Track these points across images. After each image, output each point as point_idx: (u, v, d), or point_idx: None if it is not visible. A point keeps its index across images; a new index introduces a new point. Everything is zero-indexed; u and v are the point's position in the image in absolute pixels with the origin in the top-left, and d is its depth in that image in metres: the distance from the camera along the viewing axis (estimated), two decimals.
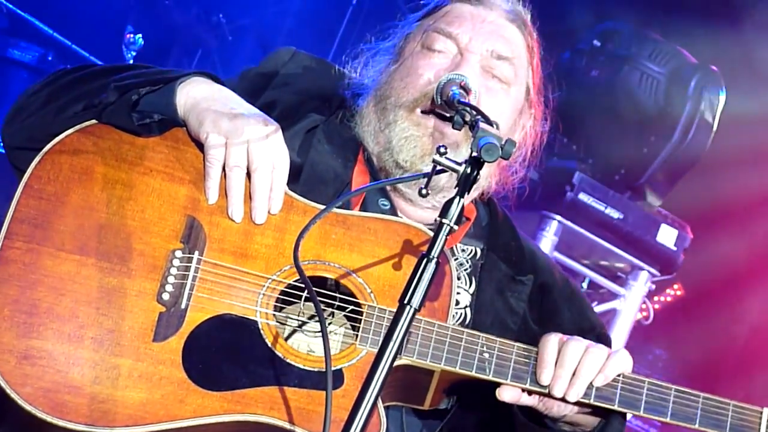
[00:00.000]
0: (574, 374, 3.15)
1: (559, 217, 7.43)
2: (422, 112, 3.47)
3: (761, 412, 3.22)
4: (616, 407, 3.18)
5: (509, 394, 3.19)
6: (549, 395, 3.16)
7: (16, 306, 2.94)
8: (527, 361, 3.19)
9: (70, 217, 3.05)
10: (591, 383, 3.16)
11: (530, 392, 3.20)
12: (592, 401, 3.17)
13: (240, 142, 3.11)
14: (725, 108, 7.63)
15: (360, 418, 2.52)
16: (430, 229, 3.24)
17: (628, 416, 3.32)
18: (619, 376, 3.19)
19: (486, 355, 3.17)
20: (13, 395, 2.86)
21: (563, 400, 3.17)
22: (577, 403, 3.20)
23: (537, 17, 3.72)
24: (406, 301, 2.60)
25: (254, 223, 3.16)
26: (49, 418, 2.86)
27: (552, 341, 3.20)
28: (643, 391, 3.19)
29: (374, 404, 2.55)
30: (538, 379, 3.15)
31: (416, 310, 2.61)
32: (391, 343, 2.58)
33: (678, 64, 7.58)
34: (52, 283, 2.98)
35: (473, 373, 3.15)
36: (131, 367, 2.95)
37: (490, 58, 3.52)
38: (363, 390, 2.55)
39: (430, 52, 3.54)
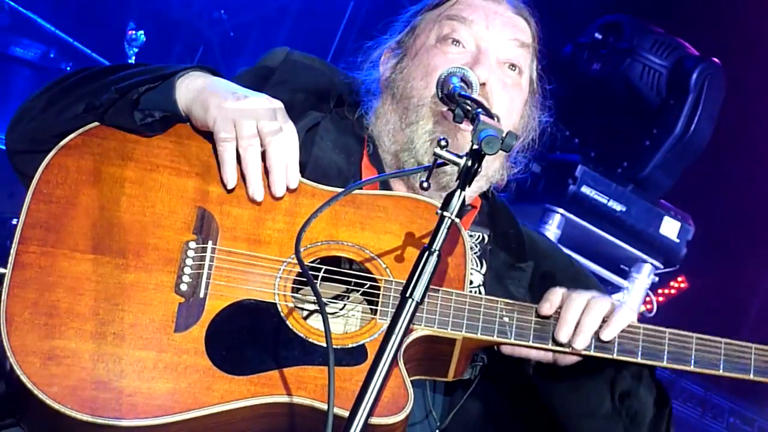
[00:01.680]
0: (578, 322, 3.17)
1: (561, 210, 7.44)
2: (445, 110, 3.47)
3: None
4: (639, 360, 3.20)
5: (510, 346, 3.22)
6: (556, 344, 3.18)
7: (36, 309, 2.97)
8: (548, 321, 3.22)
9: (81, 218, 3.08)
10: (601, 337, 3.17)
11: (547, 350, 3.22)
12: (615, 356, 3.19)
13: (248, 122, 3.12)
14: (727, 99, 7.64)
15: (363, 412, 2.57)
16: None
17: None
18: (639, 329, 3.21)
19: (506, 320, 3.19)
20: (42, 396, 2.88)
21: (572, 352, 3.19)
22: (595, 357, 3.21)
23: (538, 10, 3.74)
24: (408, 294, 2.64)
25: (265, 204, 3.19)
26: (79, 416, 2.88)
27: (557, 291, 3.23)
28: (664, 342, 3.22)
29: (379, 393, 2.59)
30: (539, 311, 3.19)
31: (418, 304, 2.64)
32: (394, 336, 2.62)
33: (680, 56, 7.58)
34: (70, 283, 3.01)
35: (495, 338, 3.18)
36: (156, 359, 2.98)
37: (509, 47, 3.56)
38: (365, 383, 2.59)
39: (446, 45, 3.56)
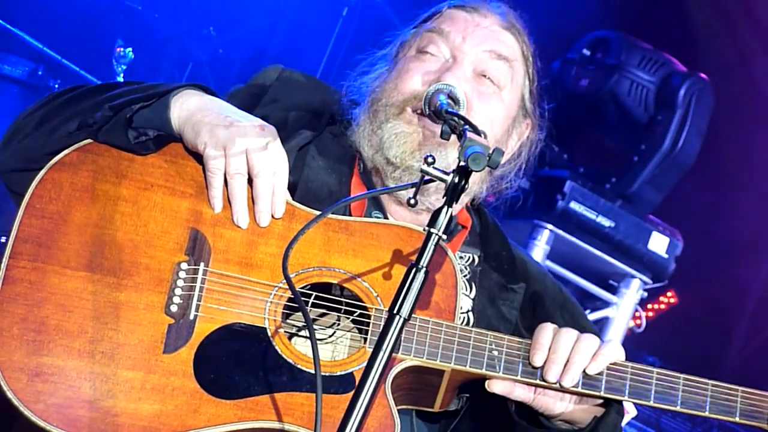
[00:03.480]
0: (568, 361, 3.17)
1: (550, 226, 7.46)
2: (413, 110, 3.49)
3: None
4: (626, 398, 3.21)
5: (500, 386, 3.20)
6: (544, 381, 3.17)
7: (24, 324, 2.96)
8: None
9: (73, 235, 3.07)
10: (587, 371, 3.18)
11: (536, 386, 3.21)
12: (602, 393, 3.19)
13: (238, 149, 3.13)
14: (715, 115, 7.67)
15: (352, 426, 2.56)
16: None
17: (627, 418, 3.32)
18: (627, 368, 3.21)
19: (495, 353, 3.19)
20: (27, 413, 2.88)
21: (559, 389, 3.19)
22: (581, 394, 3.22)
23: (527, 27, 3.74)
24: (395, 311, 2.63)
25: (258, 227, 3.19)
26: None
27: (547, 328, 3.23)
28: (652, 381, 3.21)
29: (366, 412, 2.58)
30: (531, 361, 3.17)
31: (406, 320, 2.64)
32: (381, 353, 2.62)
33: (668, 72, 7.62)
34: (59, 300, 3.00)
35: (484, 371, 3.17)
36: (143, 380, 2.97)
37: (488, 59, 3.55)
38: (354, 399, 2.59)
39: (423, 54, 3.58)
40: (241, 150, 3.13)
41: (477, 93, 3.51)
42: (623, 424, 3.40)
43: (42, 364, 2.93)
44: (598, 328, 7.50)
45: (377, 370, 2.61)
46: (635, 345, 8.51)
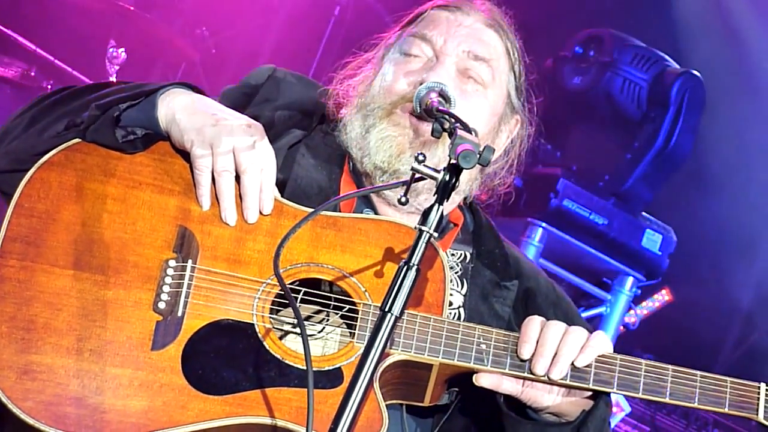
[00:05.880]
0: (556, 353, 3.18)
1: (544, 224, 7.46)
2: (402, 111, 3.49)
3: (759, 387, 3.25)
4: (615, 390, 3.21)
5: (487, 380, 3.21)
6: (532, 374, 3.18)
7: (13, 323, 2.97)
8: None
9: (62, 234, 3.08)
10: (575, 364, 3.19)
11: (524, 379, 3.22)
12: (591, 385, 3.20)
13: (225, 147, 3.14)
14: (708, 112, 7.68)
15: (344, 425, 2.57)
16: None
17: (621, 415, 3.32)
18: (615, 360, 3.21)
19: (483, 346, 3.19)
20: (15, 410, 2.89)
21: (548, 381, 3.20)
22: (570, 386, 3.22)
23: (518, 24, 3.74)
24: (386, 309, 2.64)
25: (246, 224, 3.20)
26: (52, 431, 2.88)
27: (535, 320, 3.24)
28: (641, 373, 3.21)
29: (359, 407, 2.59)
30: (519, 354, 3.18)
31: (397, 318, 2.64)
32: (373, 351, 2.63)
33: (660, 70, 7.63)
34: (48, 298, 3.01)
35: (472, 365, 3.17)
36: (131, 376, 2.98)
37: (466, 59, 3.54)
38: (345, 398, 2.60)
39: (407, 56, 3.58)
40: (228, 147, 3.14)
41: (459, 91, 3.51)
42: (618, 420, 3.42)
43: (30, 362, 2.94)
44: (592, 326, 7.46)
45: (369, 367, 2.61)
46: (629, 343, 8.51)
